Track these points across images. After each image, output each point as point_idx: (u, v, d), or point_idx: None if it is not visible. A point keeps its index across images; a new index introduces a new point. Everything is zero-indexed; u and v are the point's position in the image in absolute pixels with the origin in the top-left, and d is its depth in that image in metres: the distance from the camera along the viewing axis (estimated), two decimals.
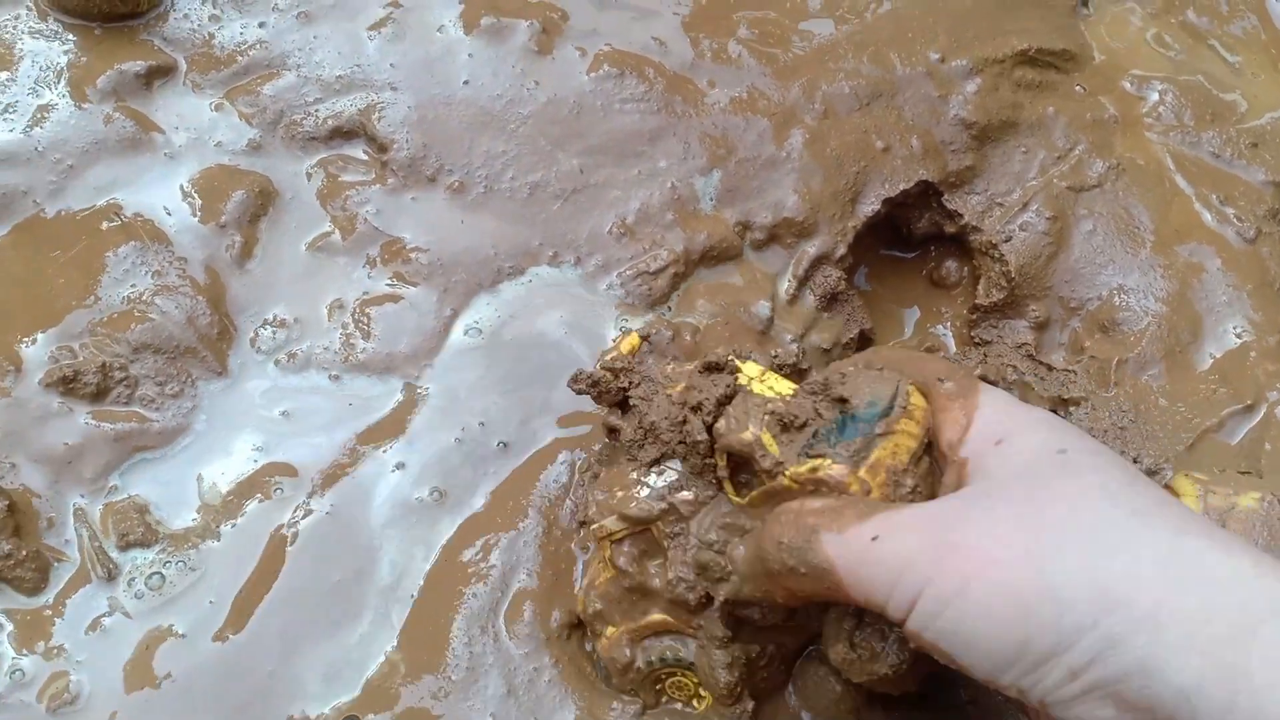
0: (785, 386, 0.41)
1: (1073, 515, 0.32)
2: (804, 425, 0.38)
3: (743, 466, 0.40)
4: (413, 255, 0.57)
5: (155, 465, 0.51)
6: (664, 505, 0.41)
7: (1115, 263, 0.62)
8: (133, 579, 0.48)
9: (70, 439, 0.50)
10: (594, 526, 0.43)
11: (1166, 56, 0.72)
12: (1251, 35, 0.74)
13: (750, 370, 0.42)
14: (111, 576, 0.48)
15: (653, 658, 0.44)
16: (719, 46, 0.64)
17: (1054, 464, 0.34)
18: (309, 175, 0.59)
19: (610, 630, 0.45)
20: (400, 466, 0.52)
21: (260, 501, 0.50)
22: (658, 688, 0.46)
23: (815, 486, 0.37)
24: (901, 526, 0.33)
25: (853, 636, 0.38)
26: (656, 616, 0.43)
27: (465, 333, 0.56)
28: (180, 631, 0.47)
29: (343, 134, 0.60)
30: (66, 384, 0.50)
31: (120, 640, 0.47)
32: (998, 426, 0.36)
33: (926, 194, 0.64)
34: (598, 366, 0.45)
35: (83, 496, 0.50)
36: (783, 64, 0.64)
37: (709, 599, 0.41)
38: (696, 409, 0.40)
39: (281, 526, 0.50)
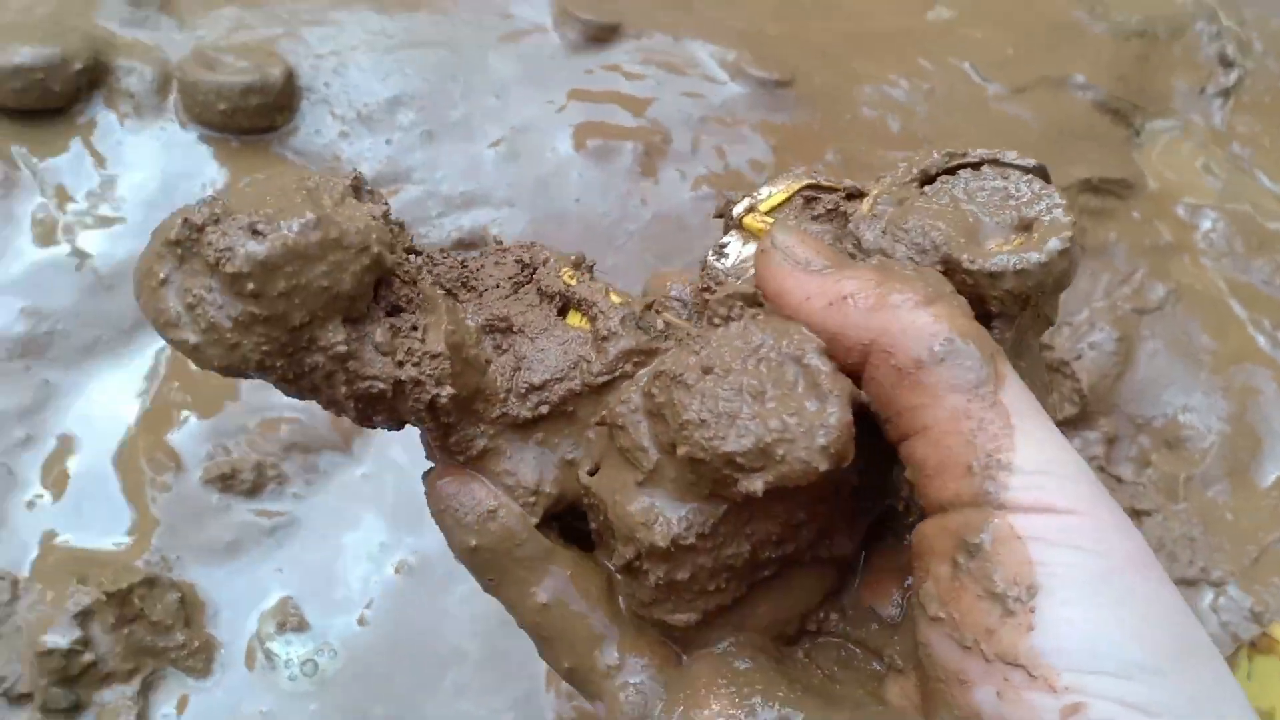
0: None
1: None
2: None
3: None
4: None
5: (304, 552, 0.54)
6: None
7: (1177, 383, 0.66)
8: (289, 664, 0.51)
9: (229, 533, 0.53)
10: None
11: (1215, 185, 0.77)
12: None
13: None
14: (271, 664, 0.51)
15: None
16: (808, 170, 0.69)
17: None
18: None
19: None
20: None
21: (398, 577, 0.53)
22: None
23: None
24: None
25: None
26: None
27: None
28: (335, 715, 0.50)
29: (465, 246, 0.64)
30: (225, 480, 0.54)
31: None
32: None
33: None
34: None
35: (242, 586, 0.53)
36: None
37: None
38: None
39: (423, 604, 0.53)
